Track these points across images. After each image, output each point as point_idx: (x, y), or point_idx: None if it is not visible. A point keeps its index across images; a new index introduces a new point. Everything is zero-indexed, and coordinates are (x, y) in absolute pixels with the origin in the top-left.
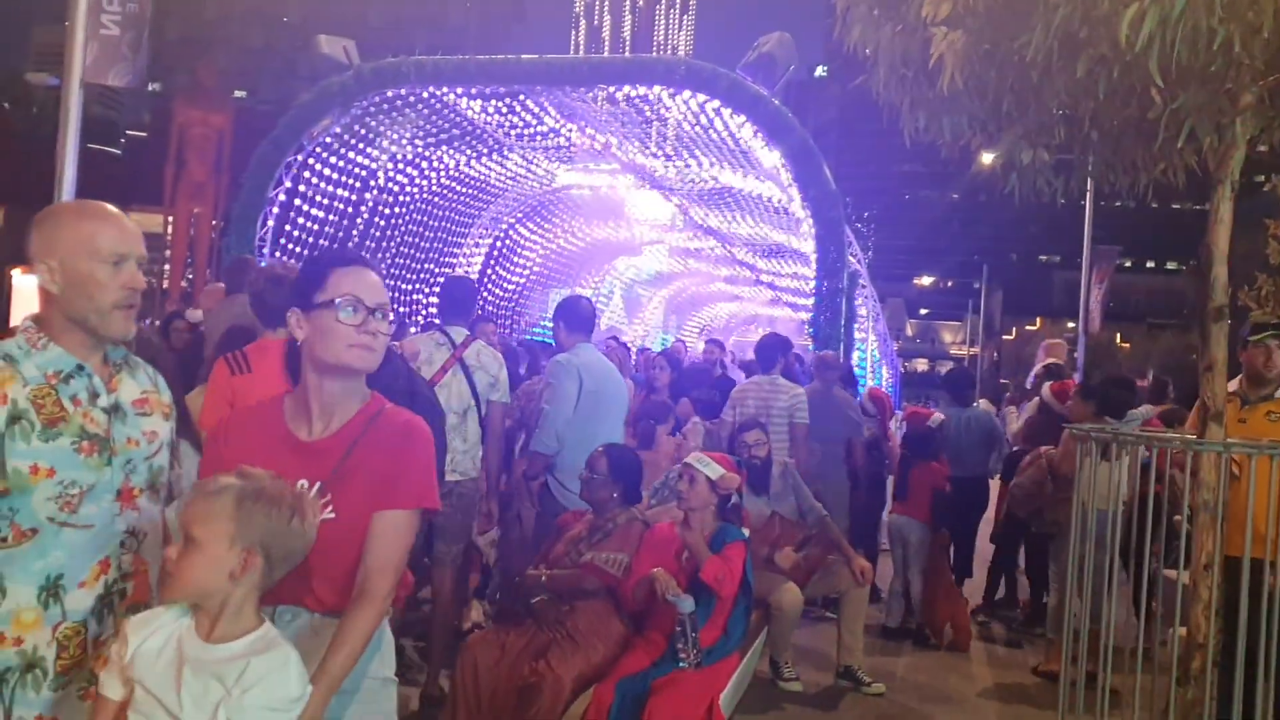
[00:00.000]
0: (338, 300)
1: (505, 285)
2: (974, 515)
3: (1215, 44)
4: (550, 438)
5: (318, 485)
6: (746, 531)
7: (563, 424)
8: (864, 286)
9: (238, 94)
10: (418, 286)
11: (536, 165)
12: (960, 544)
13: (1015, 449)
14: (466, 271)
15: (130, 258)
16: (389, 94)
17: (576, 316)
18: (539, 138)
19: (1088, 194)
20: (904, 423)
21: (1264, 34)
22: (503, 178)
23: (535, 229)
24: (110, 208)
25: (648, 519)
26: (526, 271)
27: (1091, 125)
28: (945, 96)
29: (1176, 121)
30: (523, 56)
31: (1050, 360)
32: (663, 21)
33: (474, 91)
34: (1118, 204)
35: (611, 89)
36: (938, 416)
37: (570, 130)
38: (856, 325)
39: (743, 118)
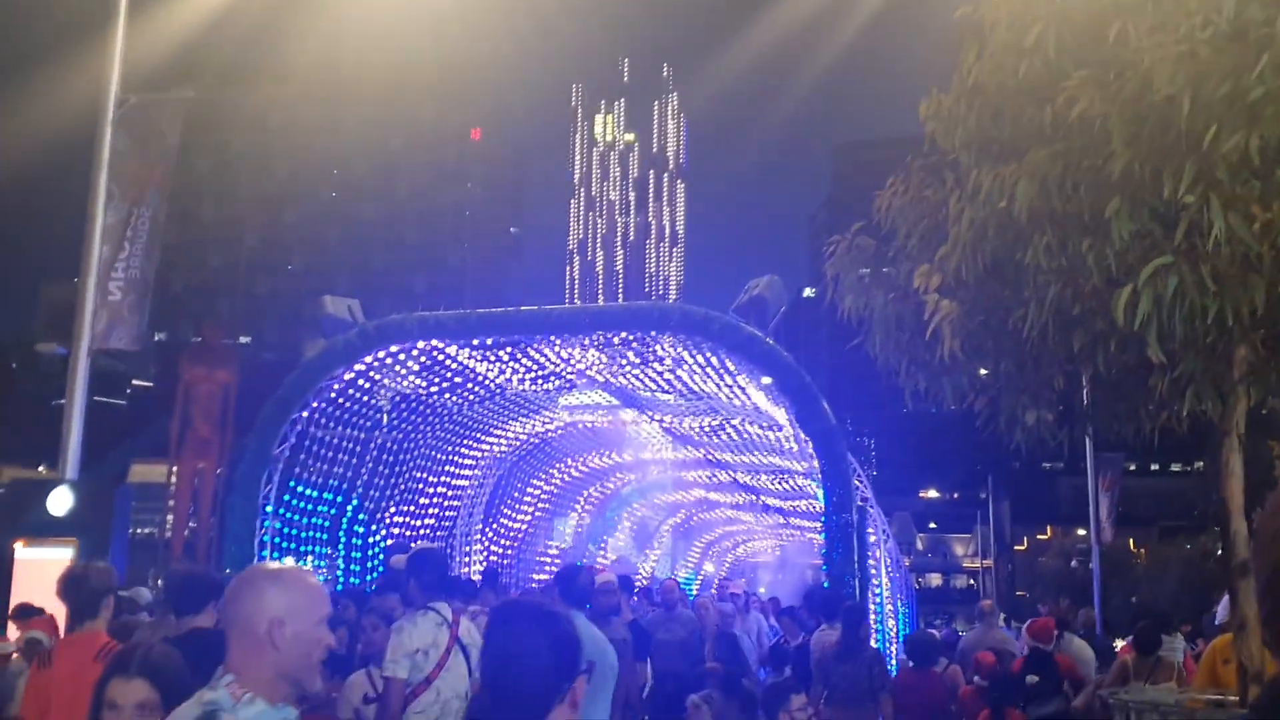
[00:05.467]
0: None
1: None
2: None
3: (1209, 318)
4: None
5: None
6: None
7: None
8: (871, 511)
9: (242, 340)
10: (423, 534)
11: (537, 406)
12: None
13: None
14: (470, 516)
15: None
16: (393, 349)
17: (571, 587)
18: (540, 380)
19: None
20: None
21: (1256, 308)
22: (503, 419)
23: (539, 464)
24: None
25: None
26: (531, 508)
27: (1091, 384)
28: (944, 360)
29: (1178, 386)
30: (522, 308)
31: None
32: (654, 254)
33: (475, 343)
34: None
35: (609, 334)
36: None
37: (569, 372)
38: (870, 557)
39: (739, 359)
